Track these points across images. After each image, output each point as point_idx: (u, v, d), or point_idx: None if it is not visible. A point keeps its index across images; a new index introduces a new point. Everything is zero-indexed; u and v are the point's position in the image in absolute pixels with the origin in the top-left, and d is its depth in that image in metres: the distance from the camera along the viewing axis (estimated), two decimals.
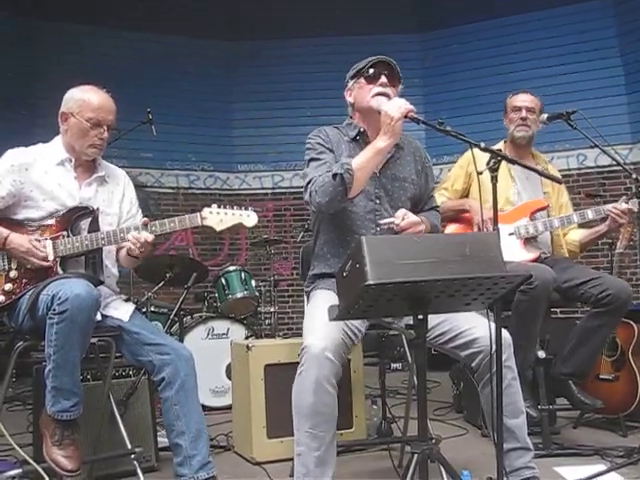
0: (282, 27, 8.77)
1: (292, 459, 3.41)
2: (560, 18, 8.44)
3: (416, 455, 2.28)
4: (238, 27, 8.65)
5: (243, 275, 5.90)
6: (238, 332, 5.37)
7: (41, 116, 7.93)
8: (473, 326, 2.70)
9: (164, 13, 8.33)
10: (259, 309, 6.11)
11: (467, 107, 8.52)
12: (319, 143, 3.07)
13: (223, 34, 8.84)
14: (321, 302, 2.78)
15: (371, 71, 3.01)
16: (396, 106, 2.79)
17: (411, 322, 2.27)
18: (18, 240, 2.87)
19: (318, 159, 3.01)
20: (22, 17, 8.20)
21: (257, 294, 5.98)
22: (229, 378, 5.17)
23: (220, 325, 5.40)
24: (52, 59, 8.26)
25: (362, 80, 3.04)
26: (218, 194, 9.00)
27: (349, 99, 3.14)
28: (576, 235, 4.08)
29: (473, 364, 2.71)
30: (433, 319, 2.59)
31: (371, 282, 2.00)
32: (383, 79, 2.99)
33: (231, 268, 5.97)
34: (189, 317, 5.62)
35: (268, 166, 9.35)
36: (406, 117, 2.77)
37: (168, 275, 5.16)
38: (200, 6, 8.63)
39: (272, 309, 6.11)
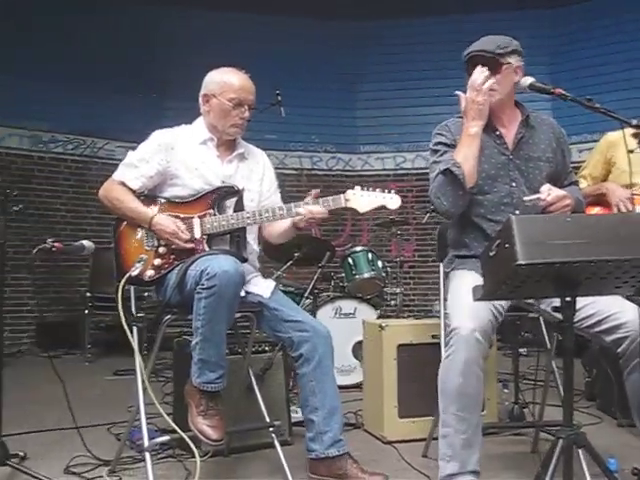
0: (407, 6, 8.66)
1: (423, 439, 3.48)
2: None
3: (561, 440, 2.23)
4: (364, 7, 8.60)
5: (370, 255, 5.92)
6: (365, 312, 5.41)
7: (171, 98, 8.22)
8: (620, 310, 2.62)
9: None
10: (385, 290, 6.12)
11: (595, 85, 8.18)
12: (441, 142, 3.05)
13: (349, 15, 8.82)
14: (464, 282, 2.77)
15: (468, 65, 2.98)
16: (472, 87, 2.80)
17: (557, 304, 2.22)
18: (164, 222, 2.98)
19: (440, 162, 2.97)
20: (151, 3, 8.46)
21: (384, 275, 5.98)
22: (355, 357, 5.24)
23: (347, 305, 5.47)
24: (181, 46, 8.49)
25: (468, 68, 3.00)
26: (340, 175, 9.07)
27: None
28: None
29: (619, 349, 2.63)
30: (579, 302, 2.52)
31: (522, 262, 1.96)
32: (478, 68, 2.92)
33: (358, 248, 6.00)
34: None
35: (390, 147, 9.33)
36: (552, 93, 2.70)
37: (296, 255, 5.22)
38: None
39: (397, 290, 6.12)
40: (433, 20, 8.94)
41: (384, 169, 9.29)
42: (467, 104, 2.83)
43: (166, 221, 2.99)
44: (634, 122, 2.48)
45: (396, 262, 6.31)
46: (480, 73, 2.85)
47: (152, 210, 3.04)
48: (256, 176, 3.26)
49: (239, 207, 3.03)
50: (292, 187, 8.51)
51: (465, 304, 2.56)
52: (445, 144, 3.02)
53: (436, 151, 3.04)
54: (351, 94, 9.38)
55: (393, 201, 2.99)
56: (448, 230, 3.24)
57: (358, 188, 3.00)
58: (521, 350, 7.14)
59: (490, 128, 2.97)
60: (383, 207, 3.00)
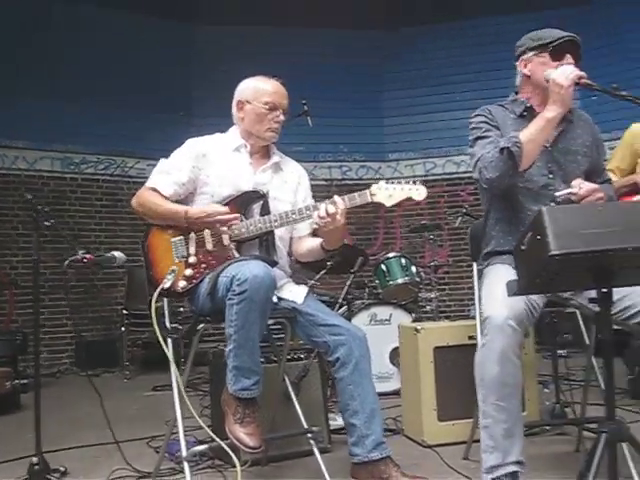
0: (431, 12, 8.66)
1: (463, 442, 3.44)
2: None
3: (604, 434, 2.18)
4: (389, 15, 8.61)
5: (403, 261, 5.90)
6: (401, 317, 5.38)
7: (198, 116, 8.29)
8: None
9: (314, 7, 8.42)
10: (419, 295, 6.08)
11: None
12: (484, 121, 3.01)
13: (373, 24, 8.84)
14: (498, 275, 2.75)
15: (557, 48, 2.89)
16: (565, 73, 2.71)
17: (593, 296, 2.18)
18: (198, 210, 3.00)
19: (485, 137, 2.95)
20: (182, 22, 8.58)
21: (418, 280, 5.95)
22: (393, 363, 5.21)
23: (382, 311, 5.45)
24: (210, 62, 8.58)
25: (546, 55, 2.93)
26: (371, 184, 9.00)
27: (524, 70, 3.03)
28: None
29: None
30: (616, 292, 2.47)
31: (555, 252, 1.94)
32: (569, 59, 2.88)
33: (391, 254, 5.98)
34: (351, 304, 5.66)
35: (419, 153, 9.32)
36: (578, 85, 2.68)
37: (329, 264, 5.21)
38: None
39: (432, 295, 6.09)
40: (458, 24, 8.92)
41: (414, 175, 9.12)
42: (553, 86, 2.75)
43: (198, 208, 3.01)
44: None
45: (430, 267, 6.27)
46: (574, 67, 2.78)
47: (183, 206, 3.05)
48: (290, 187, 3.27)
49: (265, 211, 3.03)
50: (322, 198, 8.32)
51: (499, 294, 2.51)
52: (487, 123, 2.99)
53: (479, 128, 2.99)
54: (377, 102, 9.40)
55: (419, 192, 2.94)
56: (481, 228, 3.21)
57: (383, 182, 2.97)
58: (561, 352, 7.13)
59: (532, 118, 2.91)
60: (410, 199, 2.95)
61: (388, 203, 2.93)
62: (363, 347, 2.97)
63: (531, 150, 2.78)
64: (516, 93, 3.12)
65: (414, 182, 2.96)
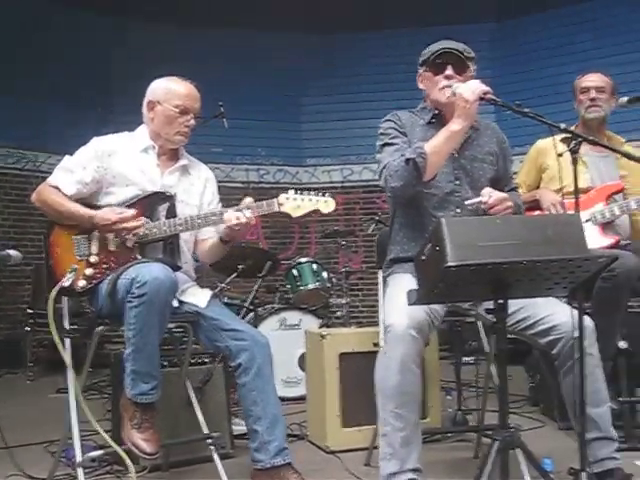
0: (355, 20, 8.71)
1: (366, 448, 3.46)
2: None
3: (497, 442, 2.22)
4: (310, 20, 8.62)
5: (315, 266, 5.93)
6: (310, 323, 5.39)
7: (114, 112, 8.12)
8: (553, 312, 2.66)
9: (234, 8, 8.37)
10: (330, 301, 6.11)
11: (542, 96, 8.31)
12: (392, 127, 3.05)
13: (296, 27, 8.83)
14: (400, 285, 2.76)
15: (436, 61, 2.97)
16: (471, 88, 2.76)
17: (490, 307, 2.23)
18: (104, 215, 2.90)
19: (392, 144, 2.99)
20: (103, 15, 8.39)
21: (329, 285, 5.98)
22: (302, 369, 5.21)
23: (292, 316, 5.43)
24: (130, 57, 8.41)
25: (428, 70, 3.02)
26: (288, 188, 8.98)
27: (420, 86, 3.12)
28: None
29: (554, 351, 2.66)
30: (512, 305, 2.53)
31: (452, 264, 1.97)
32: (449, 71, 2.95)
33: (303, 259, 6.01)
34: (261, 308, 5.63)
35: (337, 159, 9.36)
36: (482, 99, 2.74)
37: (240, 267, 5.19)
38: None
39: (343, 301, 6.12)
40: (380, 34, 9.01)
41: (331, 181, 9.29)
42: (458, 100, 2.78)
43: (105, 214, 2.91)
44: (562, 126, 2.50)
45: (342, 274, 6.29)
46: (479, 83, 2.80)
47: (90, 211, 2.95)
48: (196, 190, 3.23)
49: (171, 214, 2.98)
50: (239, 201, 8.30)
51: (400, 303, 2.53)
52: (395, 129, 3.03)
53: (387, 134, 3.03)
54: (297, 106, 9.39)
55: (327, 204, 2.97)
56: (389, 232, 3.23)
57: (292, 192, 2.98)
58: (467, 359, 7.26)
59: (440, 126, 2.96)
60: (317, 211, 2.97)
61: (295, 214, 2.95)
62: (266, 353, 2.95)
63: (436, 161, 2.82)
64: (424, 101, 3.17)
65: (323, 194, 2.99)
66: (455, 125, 2.80)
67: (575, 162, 2.46)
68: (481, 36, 8.66)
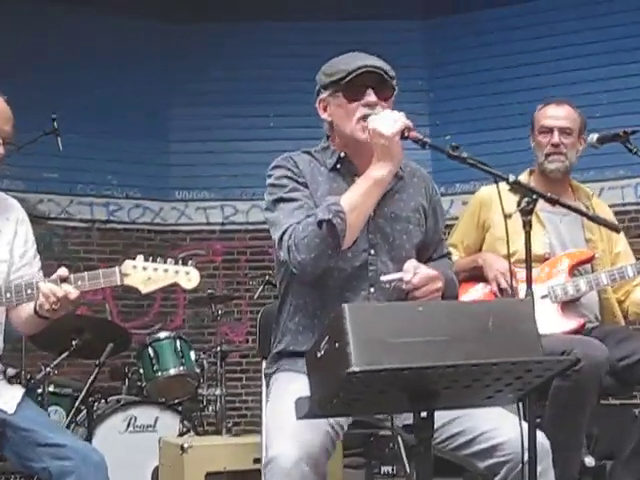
0: (239, 6, 8.79)
1: None
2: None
3: None
4: (177, 6, 8.64)
5: (179, 344, 5.90)
6: (170, 424, 5.34)
7: None
8: (496, 427, 2.65)
9: None
10: (200, 391, 6.05)
11: (484, 119, 8.57)
12: (287, 177, 2.98)
13: (158, 14, 8.83)
14: (289, 391, 2.71)
15: (353, 83, 2.91)
16: (390, 120, 2.75)
17: (411, 422, 2.21)
18: None
19: (290, 199, 2.92)
20: None
21: (198, 371, 5.94)
22: None
23: (145, 413, 5.37)
24: None
25: (340, 95, 2.95)
26: (147, 231, 8.91)
27: (324, 115, 3.06)
28: None
29: (496, 478, 2.65)
30: (442, 416, 2.53)
31: (356, 369, 1.93)
32: (370, 97, 2.90)
33: (162, 335, 5.99)
34: (103, 402, 5.54)
35: (216, 194, 9.29)
36: (404, 137, 2.73)
37: (74, 343, 5.09)
38: None
39: (218, 391, 6.06)
40: (276, 26, 9.08)
41: (208, 223, 9.21)
42: (375, 137, 2.75)
43: None
44: (511, 178, 2.52)
45: (217, 353, 6.22)
46: (400, 114, 2.79)
47: None
48: (5, 238, 3.16)
49: None
50: (80, 246, 8.18)
51: (286, 422, 2.49)
52: (292, 179, 2.97)
53: (281, 186, 2.96)
54: (162, 121, 9.34)
55: (189, 277, 2.96)
56: (275, 316, 3.18)
57: (141, 258, 2.96)
58: (386, 468, 7.28)
59: (349, 173, 2.97)
60: (176, 285, 2.93)
61: (145, 289, 2.94)
62: (99, 475, 2.87)
63: (356, 222, 2.79)
64: (328, 137, 3.14)
65: (184, 262, 2.97)
66: (378, 170, 2.78)
67: (529, 225, 2.47)
68: (404, 37, 8.87)
